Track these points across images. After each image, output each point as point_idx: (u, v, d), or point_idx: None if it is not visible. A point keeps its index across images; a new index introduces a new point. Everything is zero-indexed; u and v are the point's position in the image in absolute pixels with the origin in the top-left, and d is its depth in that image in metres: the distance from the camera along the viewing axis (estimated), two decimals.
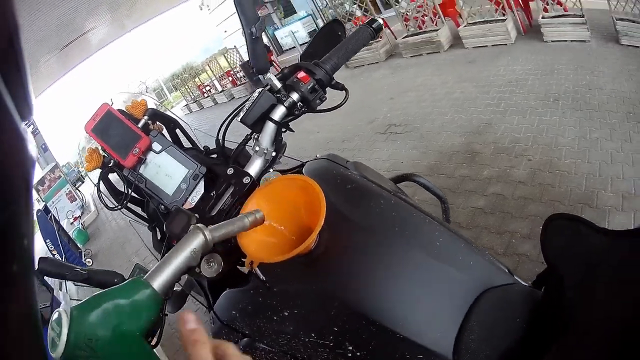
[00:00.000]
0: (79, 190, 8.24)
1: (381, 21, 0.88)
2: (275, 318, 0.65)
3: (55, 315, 0.42)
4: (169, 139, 0.93)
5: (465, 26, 4.83)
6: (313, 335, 0.61)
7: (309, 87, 0.80)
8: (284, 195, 0.69)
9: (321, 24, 11.43)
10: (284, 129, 0.84)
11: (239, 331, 0.68)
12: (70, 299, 2.96)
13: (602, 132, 2.37)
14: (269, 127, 0.79)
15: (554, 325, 0.57)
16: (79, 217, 6.80)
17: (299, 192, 0.67)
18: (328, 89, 0.84)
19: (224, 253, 0.70)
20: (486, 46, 4.64)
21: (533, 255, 1.74)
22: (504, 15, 4.45)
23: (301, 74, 0.81)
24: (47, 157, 8.89)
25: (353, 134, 3.95)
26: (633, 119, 2.39)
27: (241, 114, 0.81)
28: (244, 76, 10.29)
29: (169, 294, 0.50)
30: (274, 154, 0.82)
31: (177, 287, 0.80)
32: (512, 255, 1.79)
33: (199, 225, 0.53)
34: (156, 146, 0.88)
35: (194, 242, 0.51)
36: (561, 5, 3.88)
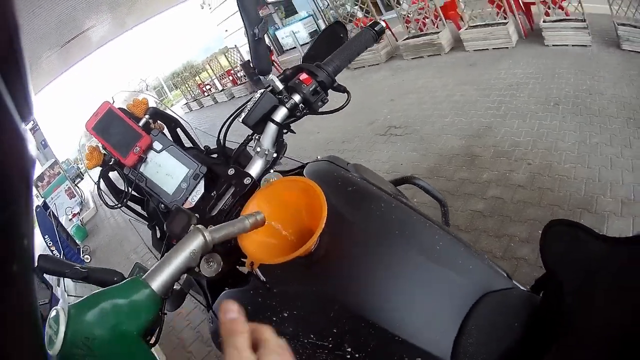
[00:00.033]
0: (78, 187, 8.23)
1: (384, 24, 0.88)
2: (274, 319, 0.65)
3: (53, 313, 0.42)
4: (170, 138, 0.93)
5: (466, 29, 4.84)
6: (312, 336, 0.61)
7: (311, 89, 0.80)
8: (285, 197, 0.69)
9: (322, 25, 11.46)
10: (285, 131, 0.84)
11: None
12: (68, 295, 2.96)
13: (602, 137, 2.38)
14: (271, 129, 0.79)
15: (552, 331, 0.57)
16: (78, 213, 6.81)
17: (300, 194, 0.67)
18: (330, 91, 0.84)
19: (223, 253, 0.70)
20: (487, 49, 4.65)
21: (531, 259, 1.74)
22: (505, 18, 4.45)
23: (303, 76, 0.81)
24: (46, 153, 8.87)
25: (353, 135, 3.95)
26: (633, 124, 2.40)
27: (242, 115, 0.80)
28: (244, 75, 10.31)
29: (167, 294, 0.50)
30: (275, 155, 0.82)
31: (176, 286, 0.80)
32: (510, 259, 1.80)
33: (199, 226, 0.53)
34: (157, 145, 0.88)
35: (194, 243, 0.51)
36: (563, 10, 3.89)
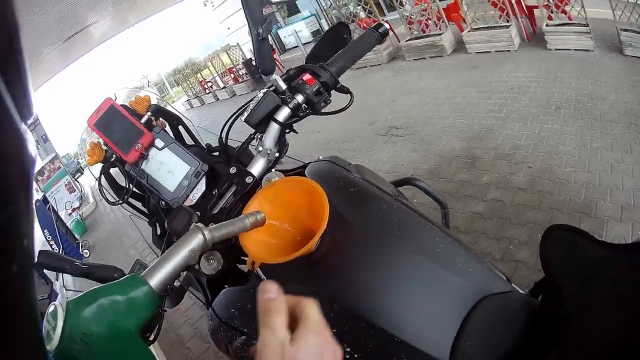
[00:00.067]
0: (78, 182, 8.23)
1: (387, 26, 0.88)
2: None
3: (51, 308, 0.42)
4: (172, 135, 0.93)
5: (469, 31, 4.84)
6: None
7: (314, 90, 0.80)
8: (287, 197, 0.69)
9: (324, 24, 11.47)
10: (287, 130, 0.84)
11: (237, 329, 0.68)
12: (67, 290, 2.96)
13: (603, 142, 2.38)
14: (273, 128, 0.79)
15: (550, 334, 0.58)
16: (77, 208, 6.80)
17: (302, 194, 0.67)
18: (332, 92, 0.84)
19: (224, 251, 0.70)
20: (489, 52, 4.64)
21: (530, 262, 1.74)
22: (508, 21, 4.45)
23: (307, 76, 0.81)
24: (47, 147, 8.88)
25: (354, 135, 3.95)
26: (634, 130, 2.40)
27: (245, 114, 0.80)
28: (246, 73, 10.31)
29: (166, 291, 0.50)
30: (277, 154, 0.82)
31: (175, 283, 0.80)
32: (509, 262, 1.80)
33: (199, 224, 0.53)
34: (159, 142, 0.88)
35: (193, 242, 0.51)
36: (566, 14, 3.89)
